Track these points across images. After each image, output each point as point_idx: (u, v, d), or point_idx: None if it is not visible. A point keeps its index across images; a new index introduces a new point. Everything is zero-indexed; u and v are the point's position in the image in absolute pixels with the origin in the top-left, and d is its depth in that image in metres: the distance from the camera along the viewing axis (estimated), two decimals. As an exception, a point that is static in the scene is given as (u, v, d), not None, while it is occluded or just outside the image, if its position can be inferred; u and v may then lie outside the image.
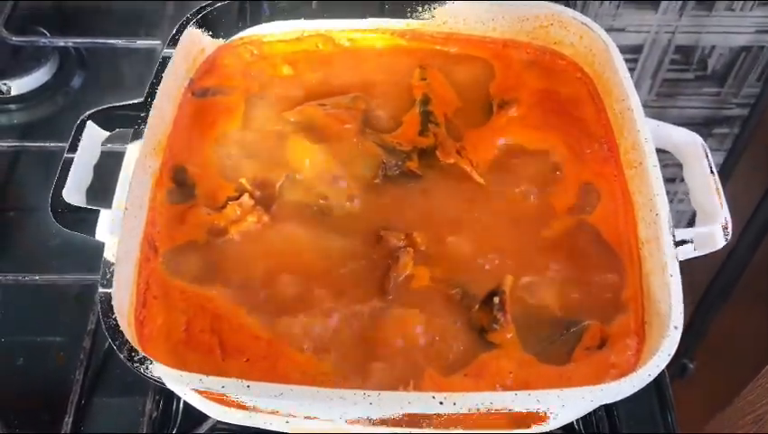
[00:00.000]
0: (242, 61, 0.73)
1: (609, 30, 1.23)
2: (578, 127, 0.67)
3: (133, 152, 0.59)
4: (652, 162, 0.60)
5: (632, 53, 1.29)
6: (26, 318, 0.73)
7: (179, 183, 0.65)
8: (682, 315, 0.53)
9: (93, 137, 0.63)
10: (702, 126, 1.43)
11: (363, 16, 0.75)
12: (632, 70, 1.32)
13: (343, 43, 0.74)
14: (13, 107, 0.90)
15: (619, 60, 0.67)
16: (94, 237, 0.57)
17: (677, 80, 1.35)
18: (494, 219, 0.63)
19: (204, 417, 0.61)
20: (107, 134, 0.64)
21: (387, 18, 0.74)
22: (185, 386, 0.49)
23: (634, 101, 0.63)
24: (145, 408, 0.64)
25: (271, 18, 0.75)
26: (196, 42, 0.70)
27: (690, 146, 0.64)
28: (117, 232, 0.55)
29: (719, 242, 0.58)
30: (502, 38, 0.74)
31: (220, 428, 0.63)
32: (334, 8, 0.75)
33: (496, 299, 0.56)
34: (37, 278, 0.72)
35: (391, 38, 0.75)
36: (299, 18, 0.75)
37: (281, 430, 0.54)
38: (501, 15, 0.73)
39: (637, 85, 1.34)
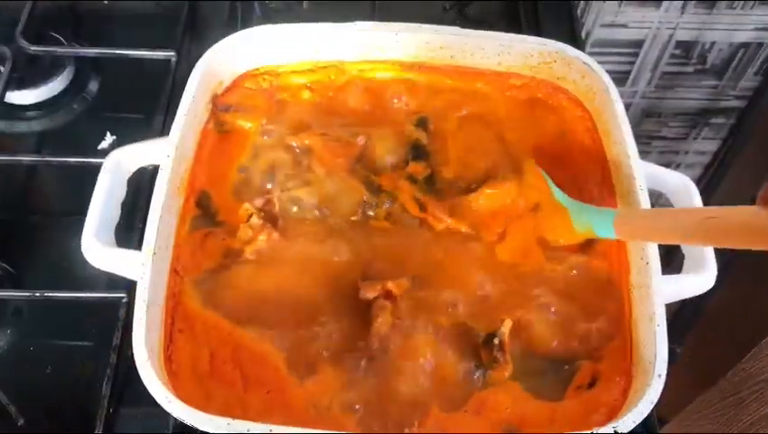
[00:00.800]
0: (261, 87, 0.76)
1: (610, 26, 1.27)
2: (578, 172, 0.71)
3: (159, 193, 0.63)
4: (645, 207, 0.64)
5: (632, 48, 1.32)
6: (53, 328, 0.77)
7: (203, 210, 0.69)
8: (666, 362, 0.57)
9: (119, 176, 0.66)
10: (699, 115, 1.46)
11: (353, 18, 0.77)
12: (632, 63, 1.34)
13: (354, 74, 0.77)
14: (31, 114, 0.92)
15: (618, 102, 0.70)
16: (124, 276, 0.61)
17: (676, 72, 1.37)
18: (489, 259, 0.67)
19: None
20: (133, 170, 0.68)
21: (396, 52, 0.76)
22: (215, 428, 0.54)
23: (631, 147, 0.67)
24: (169, 418, 0.68)
25: (264, 20, 0.77)
26: (215, 75, 0.73)
27: (682, 190, 0.67)
28: (147, 276, 0.59)
29: (705, 287, 0.63)
30: (508, 72, 0.76)
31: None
32: (325, 8, 0.76)
33: (496, 340, 0.61)
34: (64, 295, 0.75)
35: (401, 69, 0.77)
36: (292, 21, 0.77)
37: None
38: (507, 51, 0.75)
39: (636, 77, 1.38)
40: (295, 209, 0.70)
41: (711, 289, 0.64)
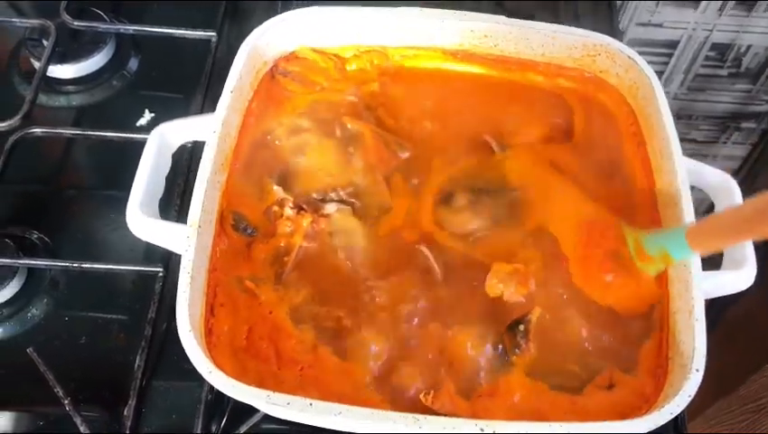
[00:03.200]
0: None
1: (646, 25, 1.27)
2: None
3: (205, 168, 0.63)
4: (687, 205, 0.64)
5: (667, 48, 1.31)
6: (88, 300, 0.78)
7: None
8: (704, 357, 0.57)
9: (164, 149, 0.67)
10: (730, 119, 1.45)
11: (396, 3, 0.77)
12: (665, 63, 1.34)
13: (396, 60, 0.77)
14: (71, 89, 0.93)
15: (662, 98, 0.70)
16: (169, 248, 0.62)
17: (710, 75, 1.37)
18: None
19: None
20: (178, 145, 0.68)
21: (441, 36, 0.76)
22: (254, 400, 0.54)
23: (674, 143, 0.67)
24: (201, 392, 0.69)
25: (305, 3, 0.77)
26: (260, 56, 0.74)
27: (724, 187, 0.67)
28: (191, 249, 0.59)
29: (745, 285, 0.63)
30: (551, 63, 0.76)
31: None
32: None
33: (521, 327, 0.61)
34: (101, 266, 0.76)
35: (443, 56, 0.78)
36: (335, 4, 0.77)
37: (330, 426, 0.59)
38: (551, 42, 0.75)
39: (669, 78, 1.37)
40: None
41: (736, 294, 0.64)
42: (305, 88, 0.76)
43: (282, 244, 0.66)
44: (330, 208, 0.69)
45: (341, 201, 0.69)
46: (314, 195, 0.70)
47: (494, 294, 0.63)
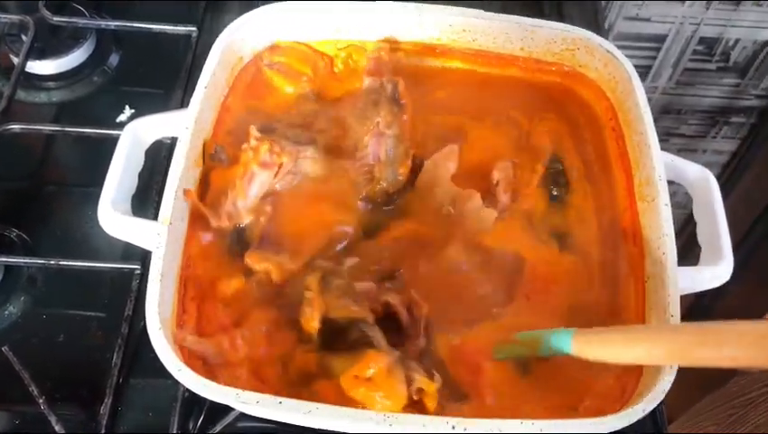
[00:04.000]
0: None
1: (634, 19, 1.26)
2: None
3: (177, 165, 0.63)
4: (664, 200, 0.63)
5: (655, 42, 1.30)
6: (66, 297, 0.77)
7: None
8: (679, 353, 0.57)
9: (136, 146, 0.66)
10: (719, 113, 1.45)
11: None
12: (653, 58, 1.33)
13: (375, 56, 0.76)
14: (51, 84, 0.92)
15: (641, 91, 0.69)
16: (141, 245, 0.62)
17: (698, 69, 1.36)
18: None
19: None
20: (151, 141, 0.68)
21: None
22: (224, 398, 0.54)
23: (652, 137, 0.66)
24: (177, 390, 0.68)
25: None
26: (235, 52, 0.73)
27: (702, 183, 0.67)
28: (162, 246, 0.59)
29: (722, 280, 0.62)
30: (530, 57, 0.76)
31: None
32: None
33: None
34: (78, 264, 0.75)
35: (422, 51, 0.77)
36: None
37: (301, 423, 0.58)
38: (531, 36, 0.75)
39: (657, 73, 1.37)
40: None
41: (721, 289, 0.64)
42: (291, 80, 0.76)
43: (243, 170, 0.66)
44: (304, 152, 0.69)
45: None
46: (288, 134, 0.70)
47: None
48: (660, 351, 0.54)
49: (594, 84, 0.75)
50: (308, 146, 0.69)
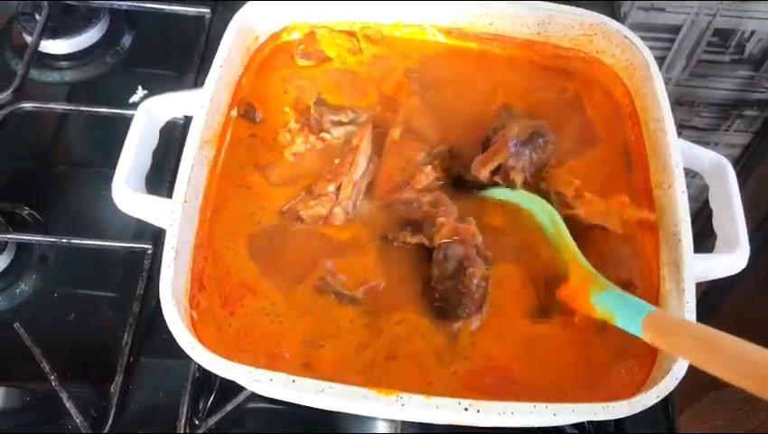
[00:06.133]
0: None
1: (649, 9, 1.25)
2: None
3: (192, 143, 0.63)
4: (681, 187, 0.63)
5: (669, 33, 1.30)
6: (77, 276, 0.78)
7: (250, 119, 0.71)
8: (694, 340, 0.56)
9: (151, 124, 0.66)
10: (732, 106, 1.44)
11: None
12: (667, 49, 1.32)
13: (394, 34, 0.76)
14: (64, 64, 0.92)
15: (658, 78, 0.69)
16: (154, 223, 0.62)
17: (712, 61, 1.35)
18: None
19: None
20: (166, 120, 0.68)
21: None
22: (236, 376, 0.54)
23: (669, 124, 0.65)
24: (189, 370, 0.69)
25: None
26: (251, 31, 0.73)
27: (719, 170, 0.66)
28: (176, 224, 0.59)
29: (738, 268, 0.62)
30: (547, 42, 0.75)
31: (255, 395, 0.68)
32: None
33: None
34: (90, 242, 0.76)
35: (437, 36, 0.77)
36: None
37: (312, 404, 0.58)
38: (548, 21, 0.74)
39: (671, 64, 1.36)
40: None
41: (732, 281, 0.63)
42: (318, 63, 0.76)
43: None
44: (335, 132, 0.70)
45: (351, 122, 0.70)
46: (331, 117, 0.70)
47: None
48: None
49: (610, 70, 0.74)
50: (345, 126, 0.70)
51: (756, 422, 1.26)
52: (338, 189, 0.66)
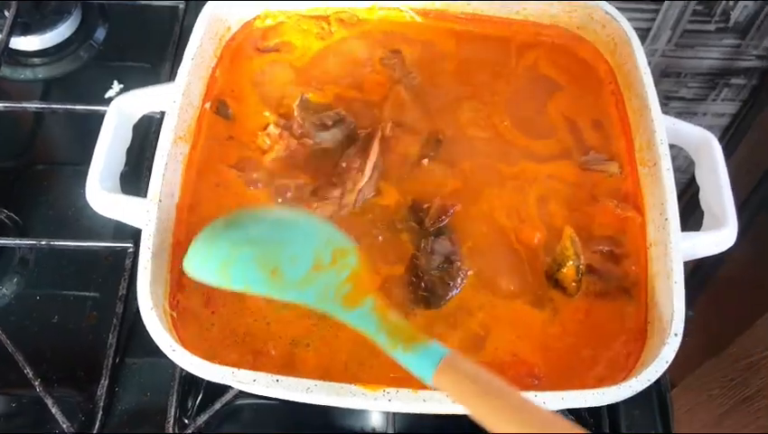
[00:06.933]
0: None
1: (631, -21, 1.23)
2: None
3: (165, 140, 0.61)
4: (666, 165, 0.62)
5: (653, 4, 1.28)
6: (59, 278, 0.76)
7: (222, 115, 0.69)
8: (683, 321, 0.56)
9: (123, 123, 0.64)
10: (719, 75, 1.42)
11: None
12: (652, 20, 1.30)
13: (369, 18, 0.74)
14: (37, 61, 0.90)
15: (640, 53, 0.67)
16: (131, 223, 0.60)
17: (698, 31, 1.33)
18: None
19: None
20: (138, 116, 0.66)
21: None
22: (220, 378, 0.53)
23: (653, 100, 0.64)
24: (175, 369, 0.68)
25: None
26: (223, 21, 0.71)
27: (705, 146, 0.65)
28: (152, 224, 0.58)
29: (726, 245, 0.61)
30: (527, 20, 0.74)
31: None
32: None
33: None
34: (69, 244, 0.74)
35: (415, 18, 0.75)
36: None
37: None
38: (526, -2, 0.73)
39: (656, 35, 1.34)
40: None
41: (725, 252, 0.62)
42: (293, 54, 0.75)
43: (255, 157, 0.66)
44: (318, 136, 0.68)
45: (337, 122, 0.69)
46: (314, 120, 0.69)
47: None
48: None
49: (592, 46, 0.73)
50: (330, 130, 0.69)
51: (753, 389, 1.27)
52: (342, 195, 0.65)
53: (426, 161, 0.68)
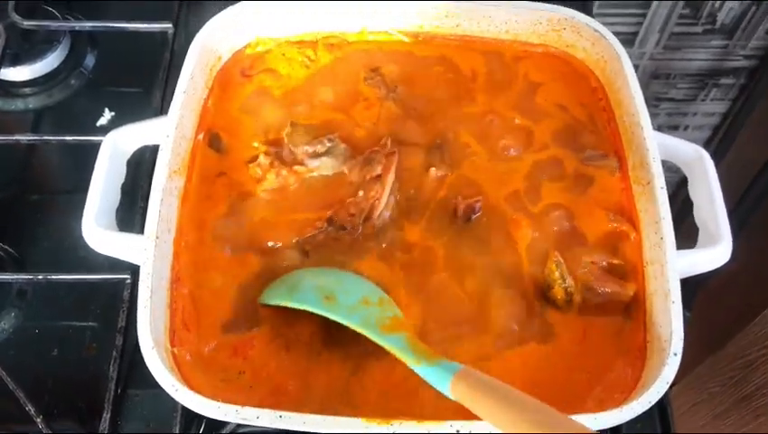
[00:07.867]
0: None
1: (617, -17, 1.23)
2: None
3: (160, 175, 0.61)
4: (660, 184, 0.62)
5: (640, 8, 1.28)
6: (57, 310, 0.76)
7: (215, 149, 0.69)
8: (682, 341, 0.56)
9: (117, 158, 0.64)
10: (708, 76, 1.43)
11: None
12: (639, 24, 1.31)
13: (358, 45, 0.74)
14: (28, 91, 0.90)
15: (630, 71, 0.68)
16: (129, 261, 0.60)
17: (685, 33, 1.34)
18: None
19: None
20: (132, 151, 0.66)
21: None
22: (224, 416, 0.53)
23: (644, 117, 0.65)
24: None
25: None
26: (213, 51, 0.71)
27: (697, 162, 0.65)
28: (149, 261, 0.58)
29: (721, 261, 0.61)
30: (516, 40, 0.74)
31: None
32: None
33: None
34: (67, 277, 0.74)
35: (404, 42, 0.75)
36: None
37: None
38: (515, 18, 0.73)
39: (644, 38, 1.35)
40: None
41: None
42: (279, 82, 0.74)
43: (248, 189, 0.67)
44: (311, 164, 0.68)
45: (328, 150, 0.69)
46: (306, 147, 0.68)
47: None
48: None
49: (582, 65, 0.73)
50: (321, 158, 0.69)
51: (752, 387, 1.27)
52: (363, 222, 0.66)
53: (433, 170, 0.68)
